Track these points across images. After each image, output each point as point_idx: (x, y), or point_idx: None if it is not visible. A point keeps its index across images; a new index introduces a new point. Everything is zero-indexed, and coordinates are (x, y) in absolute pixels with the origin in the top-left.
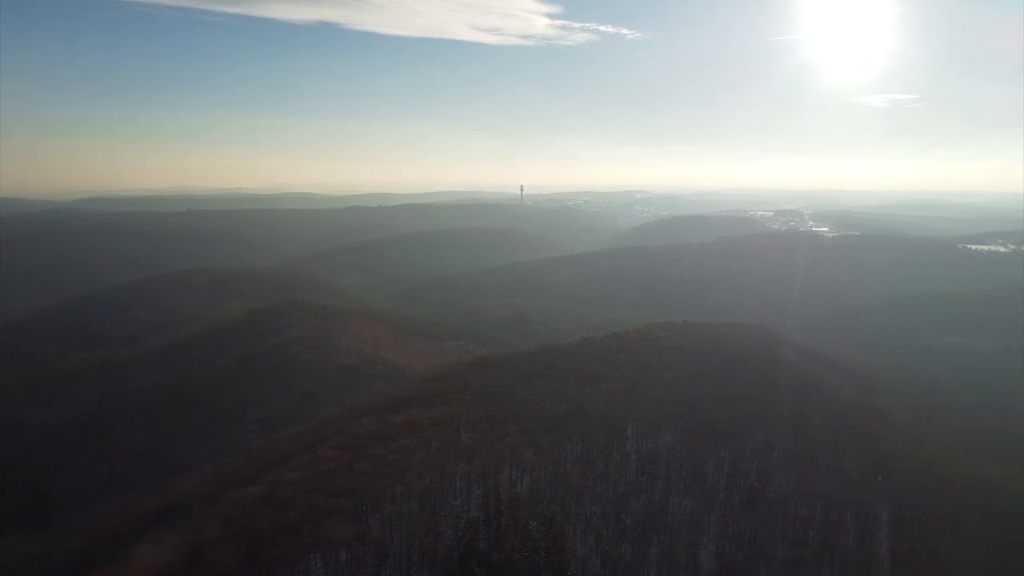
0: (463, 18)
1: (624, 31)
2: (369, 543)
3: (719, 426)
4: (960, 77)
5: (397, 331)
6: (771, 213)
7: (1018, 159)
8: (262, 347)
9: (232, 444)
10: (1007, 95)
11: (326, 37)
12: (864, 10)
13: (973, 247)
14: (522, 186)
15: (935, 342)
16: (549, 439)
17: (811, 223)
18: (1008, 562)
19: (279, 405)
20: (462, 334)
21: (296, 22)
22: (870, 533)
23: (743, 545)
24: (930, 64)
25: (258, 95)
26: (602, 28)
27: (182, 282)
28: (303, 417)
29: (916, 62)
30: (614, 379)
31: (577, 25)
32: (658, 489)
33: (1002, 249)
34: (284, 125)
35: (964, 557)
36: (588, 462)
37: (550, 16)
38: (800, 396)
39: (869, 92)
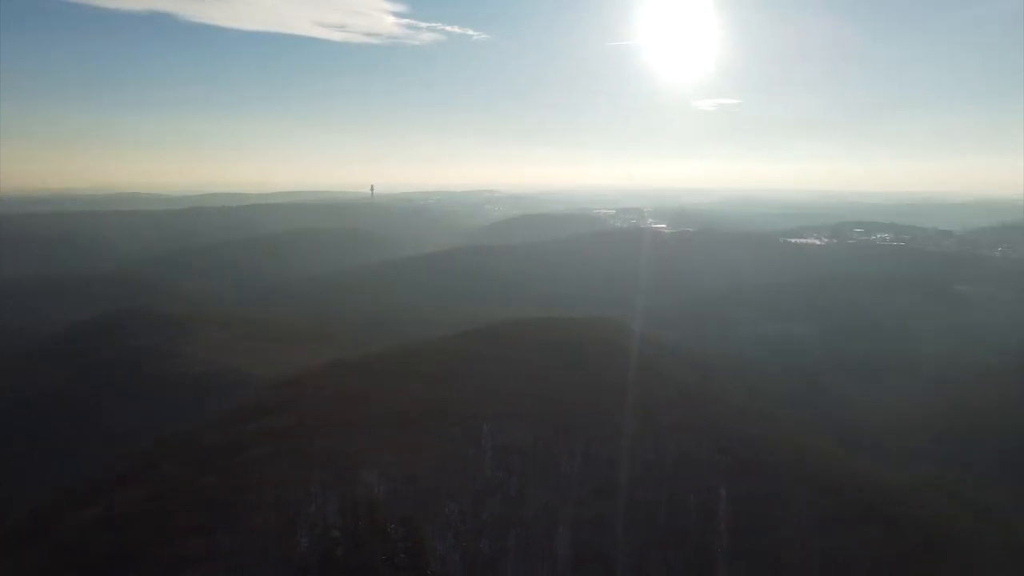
0: (307, 13)
1: (470, 32)
2: (220, 559)
3: (572, 418)
4: (777, 83)
5: (247, 337)
6: (613, 211)
7: (829, 159)
8: (99, 360)
9: (68, 467)
10: (819, 101)
11: (159, 28)
12: (693, 18)
13: (792, 240)
14: (372, 186)
15: (762, 329)
16: (407, 440)
17: (650, 220)
18: (831, 528)
19: (121, 422)
20: (315, 337)
21: (125, 11)
22: (712, 510)
23: (596, 531)
24: (751, 71)
25: (80, 87)
26: (448, 28)
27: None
28: (148, 433)
29: (738, 69)
30: (470, 376)
31: (424, 25)
32: (515, 483)
33: (817, 242)
34: (112, 121)
35: (795, 526)
36: (446, 461)
37: (396, 15)
38: (646, 384)
39: (700, 96)
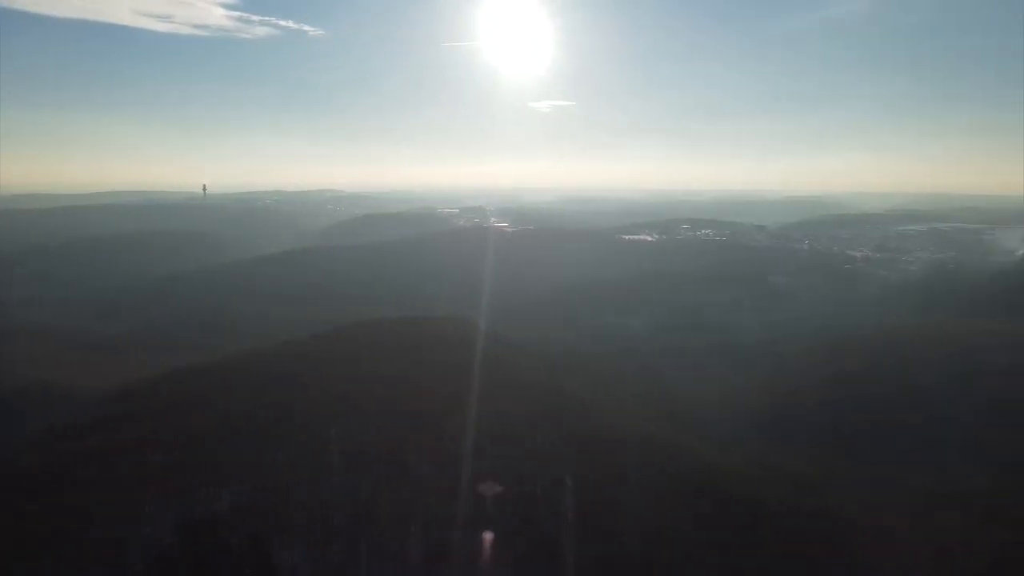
0: (127, 2)
1: (306, 28)
2: None
3: (422, 417)
4: (610, 86)
5: (73, 349)
6: (457, 210)
7: (660, 160)
8: None
9: None
10: (650, 104)
11: None
12: (527, 21)
13: (627, 237)
14: (204, 185)
15: (602, 323)
16: (251, 449)
17: (493, 219)
18: (668, 507)
19: None
20: (146, 346)
21: None
22: (559, 500)
23: (449, 528)
24: (584, 74)
25: None
26: (283, 23)
27: None
28: None
29: (572, 72)
30: (316, 381)
31: (256, 18)
32: (366, 487)
33: (648, 238)
34: None
35: (635, 508)
36: (294, 468)
37: (226, 7)
38: (494, 380)
39: (536, 98)
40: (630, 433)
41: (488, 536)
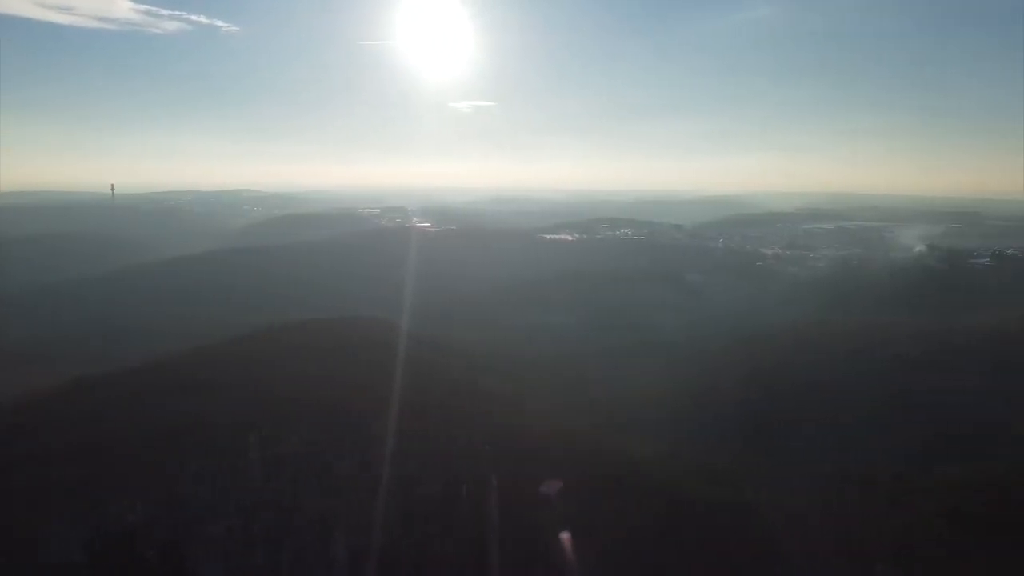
0: None
1: (219, 23)
2: None
3: (344, 420)
4: (530, 87)
5: None
6: (379, 210)
7: (580, 160)
8: None
9: None
10: (570, 104)
11: None
12: (446, 21)
13: (548, 237)
14: (112, 185)
15: (524, 321)
16: (167, 458)
17: (415, 219)
18: (592, 500)
19: None
20: (48, 356)
21: None
22: (484, 498)
23: (373, 531)
24: (504, 74)
25: None
26: (194, 18)
27: None
28: None
29: (492, 72)
30: (235, 385)
31: (165, 12)
32: (288, 492)
33: (569, 238)
34: None
35: (560, 503)
36: (212, 477)
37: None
38: (417, 381)
39: (457, 98)
40: (553, 430)
41: (413, 537)
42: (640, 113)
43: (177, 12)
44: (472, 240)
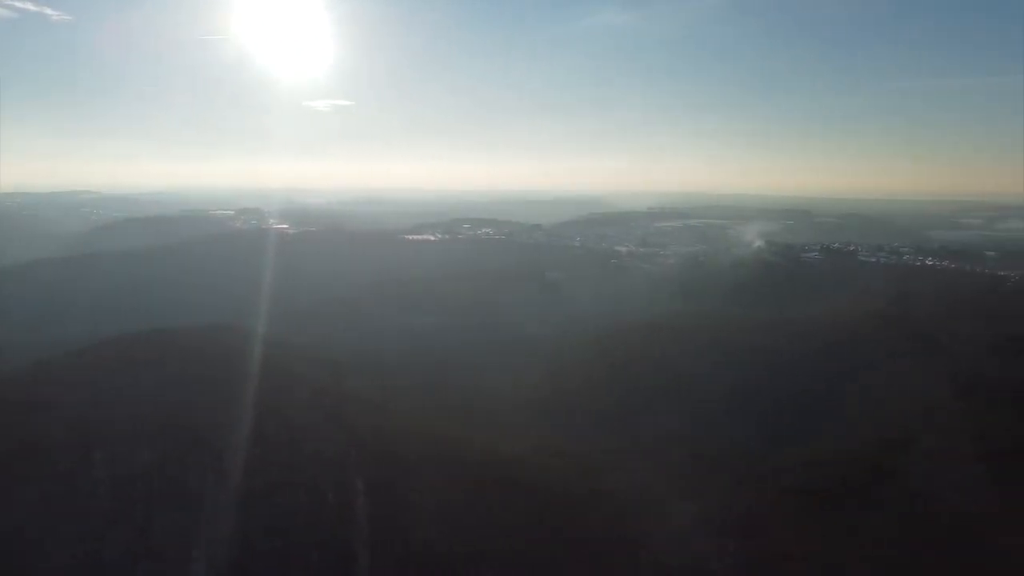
0: None
1: (48, 11)
2: None
3: (200, 433)
4: (389, 86)
5: None
6: (232, 212)
7: (442, 160)
8: None
9: None
10: (431, 104)
11: None
12: (300, 16)
13: (411, 237)
14: None
15: (389, 324)
16: None
17: (273, 221)
18: (464, 501)
19: None
20: None
21: None
22: (349, 505)
23: (234, 547)
24: (362, 72)
25: None
26: (19, 5)
27: None
28: None
29: (349, 70)
30: (76, 404)
31: None
32: (140, 512)
33: (432, 238)
34: None
35: (429, 503)
36: (52, 502)
37: None
38: (277, 388)
39: (314, 97)
40: (420, 431)
41: (280, 548)
42: (500, 113)
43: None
44: (332, 242)
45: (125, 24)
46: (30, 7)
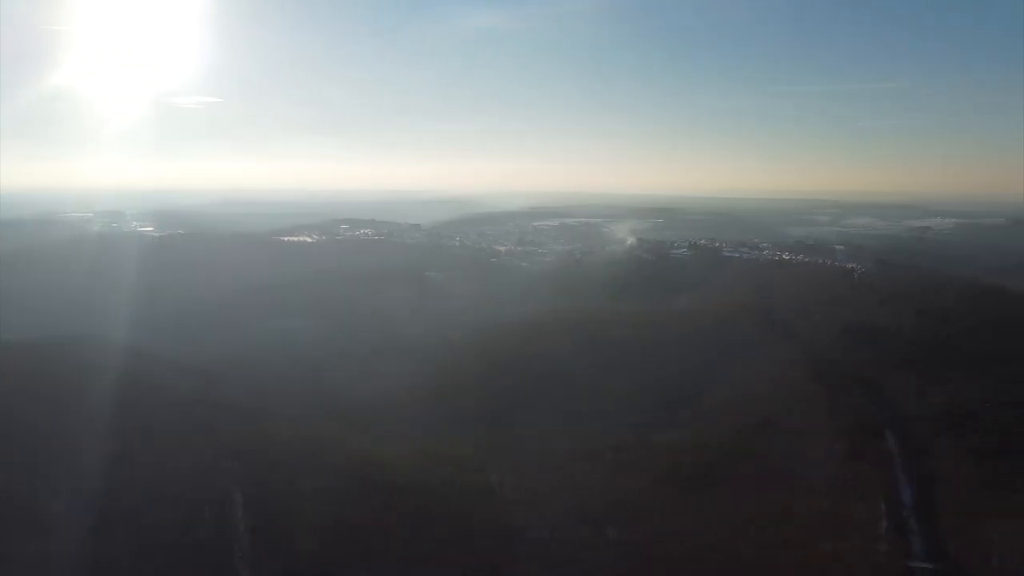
0: None
1: None
2: None
3: (56, 453)
4: (262, 82)
5: None
6: (90, 215)
7: (319, 159)
8: None
9: None
10: (307, 102)
11: None
12: (163, 8)
13: (286, 238)
14: None
15: (264, 329)
16: None
17: (135, 223)
18: (346, 505)
19: None
20: None
21: None
22: (228, 517)
23: (101, 570)
24: (232, 68)
25: None
26: None
27: None
28: None
29: (219, 65)
30: None
31: None
32: None
33: (309, 239)
34: None
35: (310, 511)
36: None
37: None
38: (142, 401)
39: (179, 93)
40: (299, 437)
41: (150, 570)
42: (377, 114)
43: None
44: (202, 245)
45: None
46: None
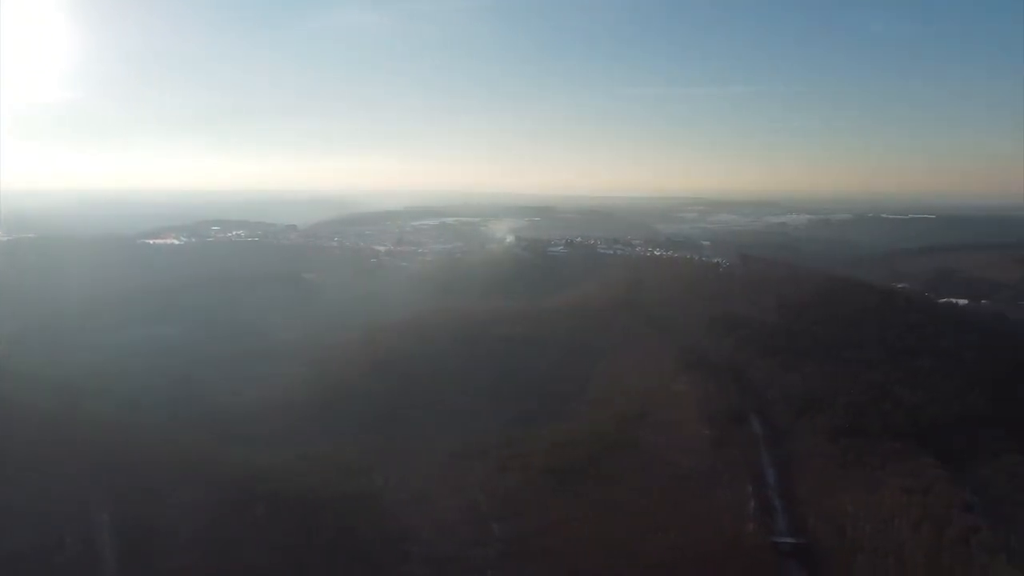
0: None
1: None
2: None
3: None
4: (125, 78)
5: None
6: None
7: (185, 158)
8: None
9: None
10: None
11: None
12: (22, 6)
13: (152, 241)
14: None
15: (130, 336)
16: None
17: None
18: (223, 519)
19: None
20: None
21: None
22: (92, 543)
23: None
24: (94, 62)
25: None
26: None
27: None
28: None
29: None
30: None
31: None
32: None
33: (176, 242)
34: None
35: (188, 527)
36: None
37: None
38: None
39: (36, 88)
40: (170, 451)
41: None
42: (249, 112)
43: None
44: (58, 250)
45: None
46: None
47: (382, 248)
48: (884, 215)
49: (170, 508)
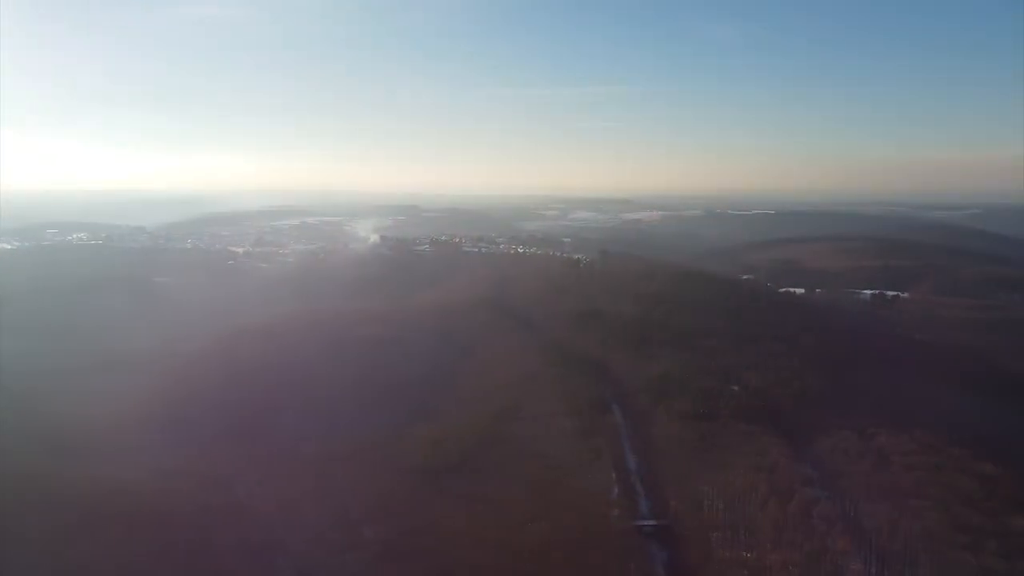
0: None
1: None
2: None
3: None
4: None
5: None
6: None
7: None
8: None
9: None
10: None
11: None
12: None
13: None
14: None
15: None
16: None
17: None
18: (77, 540)
19: None
20: None
21: None
22: None
23: None
24: None
25: None
26: None
27: None
28: None
29: None
30: None
31: None
32: None
33: (7, 246)
34: None
35: (40, 549)
36: None
37: None
38: None
39: None
40: (14, 474)
41: None
42: (94, 101)
43: None
44: None
45: None
46: None
47: (240, 249)
48: (730, 211)
49: (12, 535)
